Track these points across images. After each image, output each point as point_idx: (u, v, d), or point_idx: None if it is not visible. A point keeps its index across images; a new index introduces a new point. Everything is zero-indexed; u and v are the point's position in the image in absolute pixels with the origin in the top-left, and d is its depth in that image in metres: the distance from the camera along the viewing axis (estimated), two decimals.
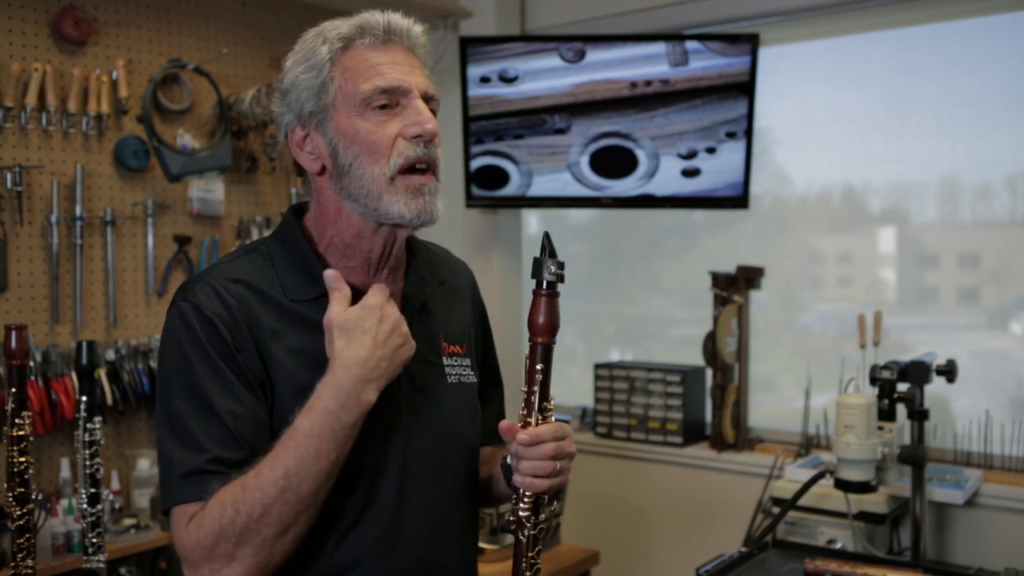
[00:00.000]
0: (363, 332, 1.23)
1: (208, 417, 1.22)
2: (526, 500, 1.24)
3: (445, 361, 1.41)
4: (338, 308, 1.25)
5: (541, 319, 1.22)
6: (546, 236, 1.22)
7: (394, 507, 1.31)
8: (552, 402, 1.25)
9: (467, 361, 1.45)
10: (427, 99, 1.31)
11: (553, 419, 1.26)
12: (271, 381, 1.27)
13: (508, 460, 1.27)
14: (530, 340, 1.24)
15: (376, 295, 1.26)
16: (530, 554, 1.25)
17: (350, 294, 1.27)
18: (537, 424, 1.24)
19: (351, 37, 1.30)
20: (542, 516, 1.26)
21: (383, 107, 1.27)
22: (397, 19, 1.31)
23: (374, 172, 1.27)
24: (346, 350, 1.22)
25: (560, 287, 1.23)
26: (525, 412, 1.24)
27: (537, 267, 1.22)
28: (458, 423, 1.40)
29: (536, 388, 1.23)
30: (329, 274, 1.27)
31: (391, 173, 1.27)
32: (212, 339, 1.24)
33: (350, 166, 1.29)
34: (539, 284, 1.22)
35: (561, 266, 1.21)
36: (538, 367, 1.23)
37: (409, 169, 1.28)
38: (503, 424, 1.25)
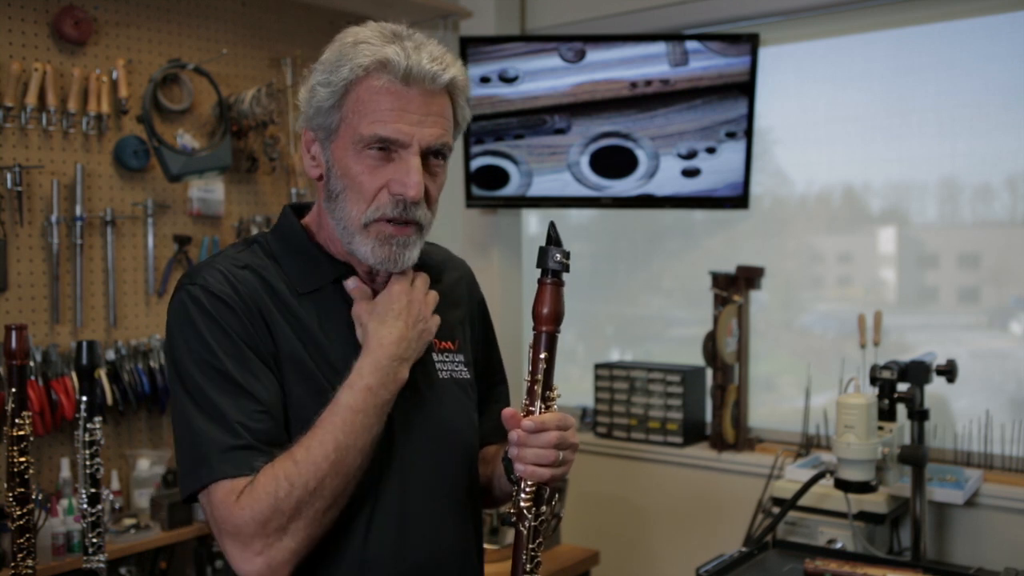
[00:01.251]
0: (395, 315, 1.31)
1: (233, 391, 1.22)
2: (527, 490, 1.24)
3: (435, 357, 1.41)
4: (364, 303, 1.33)
5: (546, 308, 1.22)
6: (551, 225, 1.22)
7: (390, 502, 1.31)
8: (556, 391, 1.25)
9: (459, 357, 1.45)
10: (433, 152, 1.29)
11: (556, 409, 1.25)
12: (280, 364, 1.28)
13: (509, 453, 1.26)
14: (534, 329, 1.23)
15: (400, 281, 1.34)
16: (531, 546, 1.24)
17: (371, 292, 1.35)
18: (540, 413, 1.23)
19: (371, 70, 1.26)
20: (543, 508, 1.25)
21: (380, 149, 1.27)
22: (423, 62, 1.26)
23: (352, 212, 1.29)
24: (381, 329, 1.29)
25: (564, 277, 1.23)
26: (528, 401, 1.24)
27: (542, 256, 1.21)
28: (451, 418, 1.40)
29: (540, 377, 1.23)
30: (350, 284, 1.34)
31: (366, 221, 1.28)
32: (226, 316, 1.25)
33: (337, 196, 1.31)
34: (544, 273, 1.22)
35: (567, 255, 1.21)
36: (542, 355, 1.22)
37: (385, 220, 1.29)
38: (506, 412, 1.25)
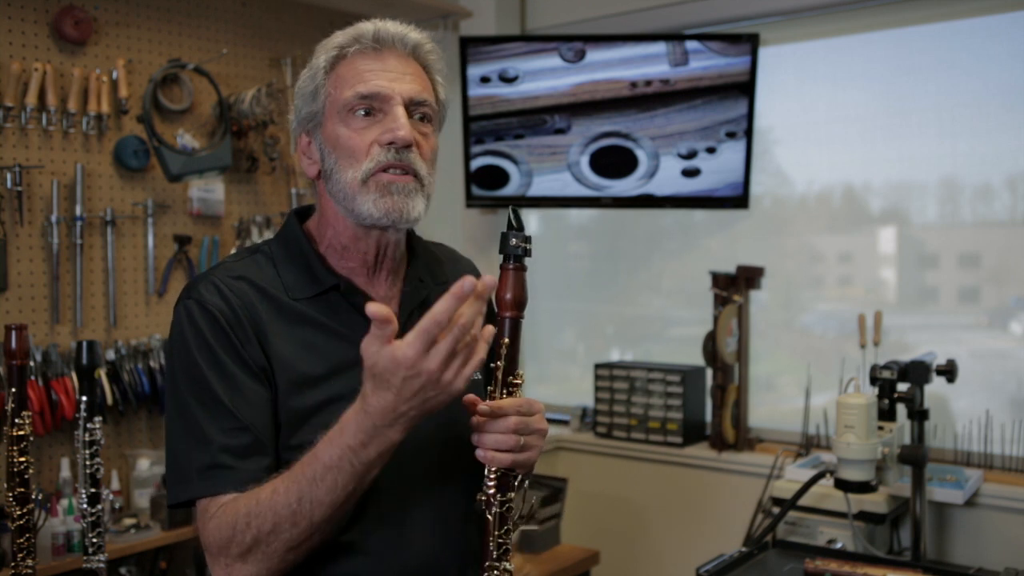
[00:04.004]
0: (387, 387, 1.12)
1: (214, 409, 1.25)
2: (492, 476, 1.24)
3: None
4: (374, 346, 1.11)
5: (508, 294, 1.23)
6: (512, 210, 1.23)
7: (394, 502, 1.32)
8: (521, 377, 1.25)
9: None
10: (416, 105, 1.33)
11: (520, 393, 1.25)
12: (272, 372, 1.29)
13: (472, 439, 1.25)
14: (497, 315, 1.24)
15: (411, 347, 1.09)
16: (497, 533, 1.24)
17: (394, 331, 1.11)
18: (502, 398, 1.23)
19: (344, 46, 1.33)
20: (510, 495, 1.25)
21: (366, 114, 1.31)
22: (389, 26, 1.34)
23: (348, 176, 1.31)
24: (371, 396, 1.14)
25: (535, 269, 1.26)
26: (492, 388, 1.24)
27: (504, 241, 1.22)
28: (458, 418, 1.40)
29: (501, 362, 1.23)
30: (372, 309, 1.09)
31: (363, 177, 1.30)
32: (214, 333, 1.28)
33: (332, 170, 1.33)
34: (506, 258, 1.23)
35: (527, 240, 1.22)
36: (504, 340, 1.23)
37: (381, 170, 1.30)
38: (467, 398, 1.24)
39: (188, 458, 1.26)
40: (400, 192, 1.30)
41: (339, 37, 1.35)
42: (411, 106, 1.32)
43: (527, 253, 1.22)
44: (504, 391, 1.24)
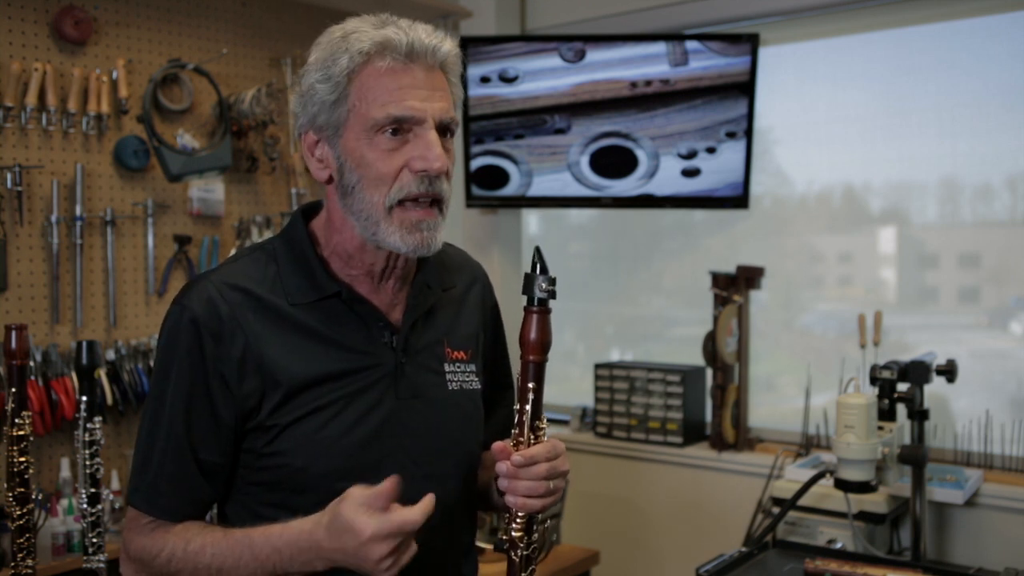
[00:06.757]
0: (339, 545, 1.17)
1: (167, 430, 1.29)
2: (519, 520, 1.24)
3: (447, 368, 1.40)
4: (352, 509, 1.16)
5: (533, 336, 1.20)
6: (537, 251, 1.20)
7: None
8: (544, 421, 1.24)
9: (471, 367, 1.43)
10: (444, 126, 1.28)
11: (545, 437, 1.24)
12: (263, 381, 1.28)
13: (499, 485, 1.26)
14: (521, 358, 1.22)
15: (380, 525, 1.14)
16: (523, 574, 1.26)
17: (377, 504, 1.16)
18: (530, 444, 1.22)
19: (372, 54, 1.25)
20: (535, 536, 1.26)
21: (395, 132, 1.25)
22: (422, 37, 1.27)
23: (374, 199, 1.26)
24: (324, 541, 1.19)
25: (552, 302, 1.21)
26: (517, 431, 1.23)
27: (528, 283, 1.19)
28: (456, 430, 1.39)
29: (528, 407, 1.22)
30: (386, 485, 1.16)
31: (390, 203, 1.26)
32: (191, 348, 1.27)
33: (353, 188, 1.27)
34: (530, 301, 1.20)
35: (552, 282, 1.19)
36: (530, 385, 1.21)
37: (410, 200, 1.26)
38: (496, 445, 1.24)
39: (139, 466, 1.31)
40: (428, 228, 1.27)
41: (363, 41, 1.25)
42: (440, 126, 1.27)
43: (553, 296, 1.19)
44: (532, 437, 1.23)
